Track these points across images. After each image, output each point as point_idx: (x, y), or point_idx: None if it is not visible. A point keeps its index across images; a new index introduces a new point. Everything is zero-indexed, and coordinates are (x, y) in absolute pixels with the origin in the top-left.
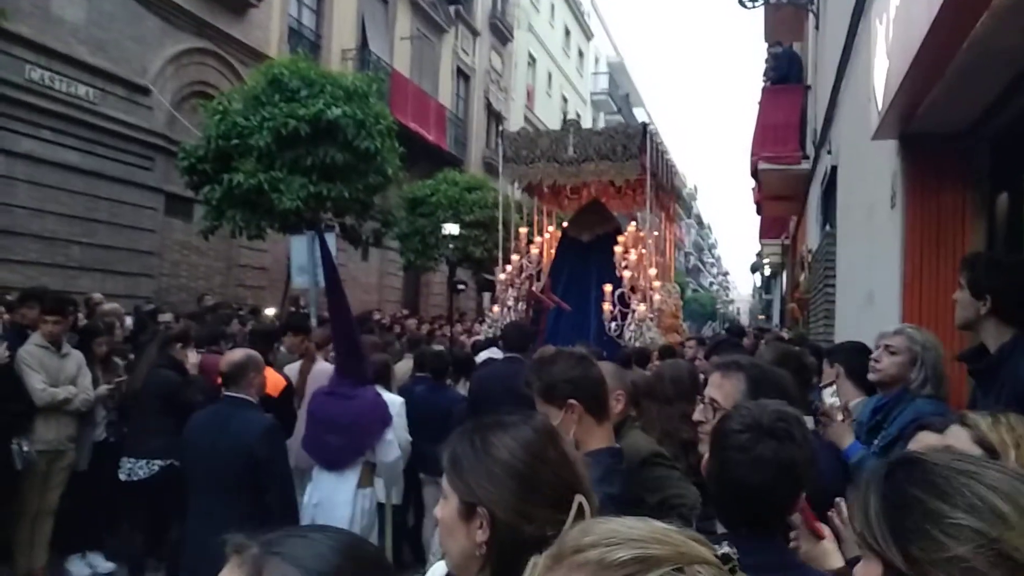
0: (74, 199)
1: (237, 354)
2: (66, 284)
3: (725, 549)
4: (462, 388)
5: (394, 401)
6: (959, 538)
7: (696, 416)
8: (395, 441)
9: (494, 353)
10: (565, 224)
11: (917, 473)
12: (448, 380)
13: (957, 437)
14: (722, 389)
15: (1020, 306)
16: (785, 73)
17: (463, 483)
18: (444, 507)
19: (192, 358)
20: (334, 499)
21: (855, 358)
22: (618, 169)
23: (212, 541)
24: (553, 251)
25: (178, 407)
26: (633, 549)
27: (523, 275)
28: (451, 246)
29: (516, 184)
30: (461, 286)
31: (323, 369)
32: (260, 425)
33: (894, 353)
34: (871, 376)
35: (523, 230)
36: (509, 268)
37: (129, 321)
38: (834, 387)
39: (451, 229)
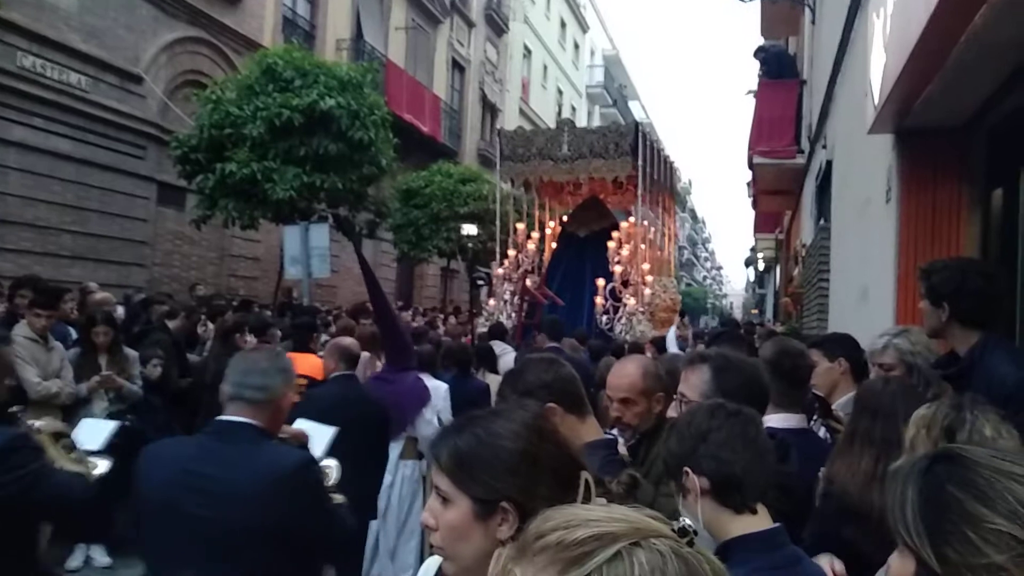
0: (66, 187)
1: (348, 340)
2: (58, 273)
3: (682, 523)
4: (481, 377)
5: (439, 387)
6: (998, 545)
7: (670, 413)
8: (433, 419)
9: (499, 346)
10: (564, 219)
11: (957, 471)
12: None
13: None
14: (688, 382)
15: (976, 307)
16: (776, 73)
17: (477, 482)
18: (448, 512)
19: (250, 345)
20: None
21: (857, 352)
22: (611, 166)
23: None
24: (554, 246)
25: None
26: (591, 528)
27: (520, 270)
28: (470, 245)
29: (512, 182)
30: (480, 281)
31: (363, 359)
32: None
33: (889, 369)
34: None
35: (520, 226)
36: (506, 263)
37: (120, 311)
38: (847, 398)
39: (469, 230)
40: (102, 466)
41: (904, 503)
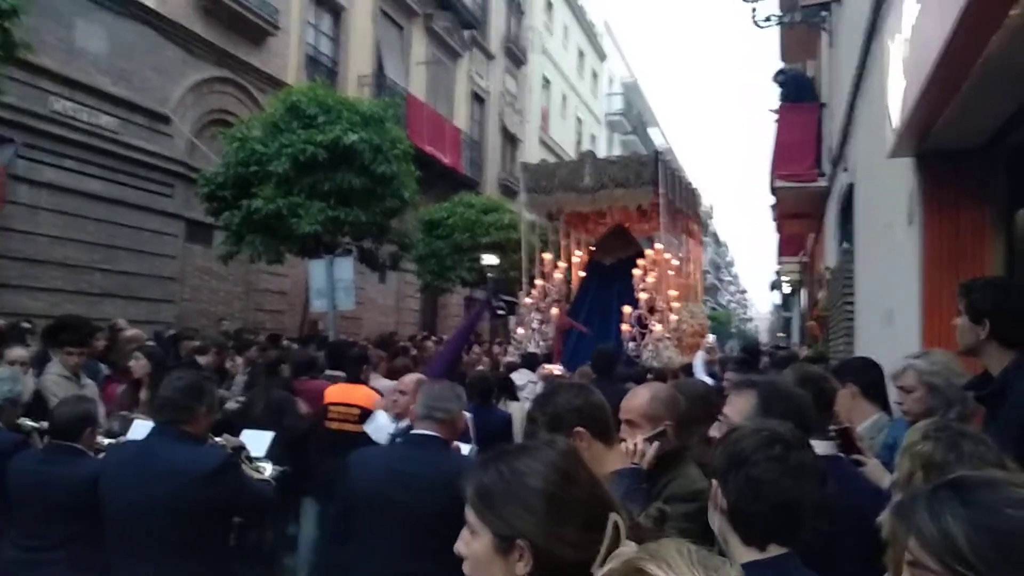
0: (97, 227)
1: (414, 376)
2: (89, 311)
3: None
4: (503, 407)
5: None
6: None
7: (712, 432)
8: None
9: (523, 374)
10: (592, 248)
11: (1002, 493)
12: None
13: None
14: (733, 406)
15: (1017, 327)
16: (796, 97)
17: (497, 517)
18: (474, 543)
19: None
20: None
21: (867, 375)
22: (633, 196)
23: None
24: (582, 274)
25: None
26: (653, 566)
27: (548, 299)
28: (490, 275)
29: (536, 213)
30: (501, 311)
31: (384, 386)
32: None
33: (910, 391)
34: (907, 420)
35: (547, 256)
36: (534, 292)
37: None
38: (871, 421)
39: (490, 260)
40: (268, 470)
41: (948, 535)
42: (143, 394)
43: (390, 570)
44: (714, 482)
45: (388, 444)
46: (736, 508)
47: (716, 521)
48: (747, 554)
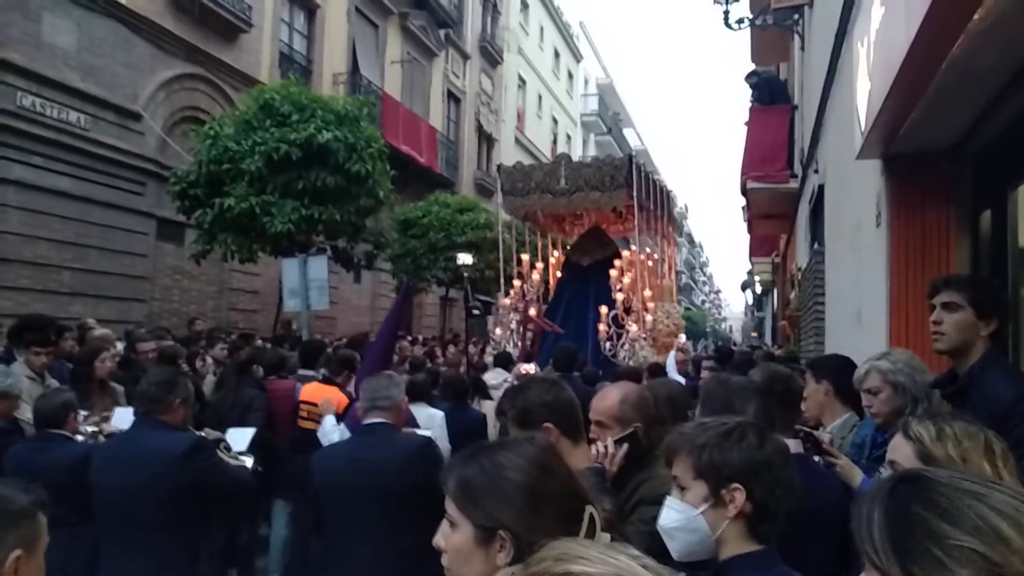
0: (66, 225)
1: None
2: (58, 310)
3: None
4: (477, 406)
5: (434, 416)
6: (961, 560)
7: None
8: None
9: (498, 374)
10: (568, 249)
11: (920, 490)
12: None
13: (899, 450)
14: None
15: (1006, 325)
16: (768, 99)
17: (478, 509)
18: (454, 535)
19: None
20: None
21: (842, 375)
22: (608, 198)
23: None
24: (559, 275)
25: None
26: (577, 565)
27: (526, 299)
28: (465, 275)
29: (513, 215)
30: (476, 311)
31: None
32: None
33: (876, 392)
34: (876, 422)
35: (525, 257)
36: (512, 293)
37: (120, 346)
38: (841, 421)
39: (465, 259)
40: (248, 462)
41: (871, 523)
42: (96, 396)
43: (366, 557)
44: (738, 487)
45: (346, 439)
46: (769, 510)
47: (718, 522)
48: (740, 547)
